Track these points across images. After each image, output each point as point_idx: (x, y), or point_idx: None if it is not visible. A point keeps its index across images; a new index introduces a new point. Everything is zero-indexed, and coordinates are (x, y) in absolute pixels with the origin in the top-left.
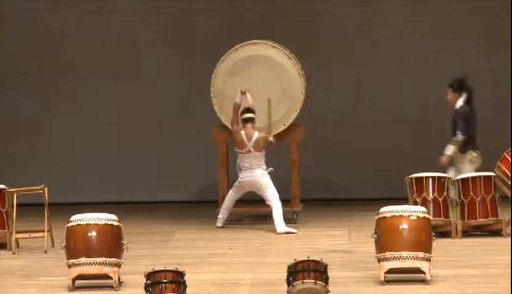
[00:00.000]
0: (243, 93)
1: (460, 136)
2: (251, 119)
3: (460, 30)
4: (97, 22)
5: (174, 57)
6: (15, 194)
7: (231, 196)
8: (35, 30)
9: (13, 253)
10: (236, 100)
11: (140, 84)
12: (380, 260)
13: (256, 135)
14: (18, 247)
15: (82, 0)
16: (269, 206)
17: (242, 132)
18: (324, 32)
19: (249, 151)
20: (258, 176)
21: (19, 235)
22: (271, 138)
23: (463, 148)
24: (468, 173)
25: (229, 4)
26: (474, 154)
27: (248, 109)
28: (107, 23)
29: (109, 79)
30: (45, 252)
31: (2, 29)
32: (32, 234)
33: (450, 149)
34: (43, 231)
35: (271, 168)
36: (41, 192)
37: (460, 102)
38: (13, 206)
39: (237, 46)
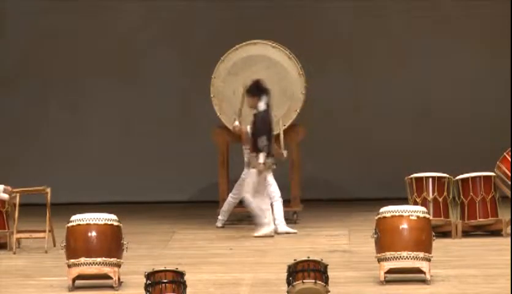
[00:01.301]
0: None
1: (265, 141)
2: None
3: (460, 30)
4: (97, 22)
5: (174, 57)
6: (18, 194)
7: (231, 198)
8: (35, 30)
9: (14, 253)
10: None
11: (140, 84)
12: (380, 260)
13: None
14: (19, 246)
15: (82, 0)
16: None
17: (248, 126)
18: (324, 32)
19: None
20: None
21: (20, 235)
22: (284, 154)
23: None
24: (259, 177)
25: (229, 4)
26: (272, 160)
27: None
28: (107, 23)
29: (109, 79)
30: (45, 252)
31: (2, 29)
32: (34, 234)
33: (262, 157)
34: (45, 231)
35: (273, 165)
36: (44, 192)
37: (261, 106)
38: (15, 205)
39: (237, 46)
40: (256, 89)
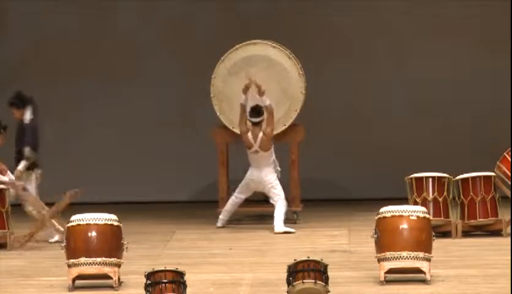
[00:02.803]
0: (245, 91)
1: (30, 152)
2: (257, 123)
3: (460, 30)
4: (97, 22)
5: (174, 57)
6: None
7: (235, 198)
8: (35, 30)
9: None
10: (240, 102)
11: (140, 84)
12: (380, 260)
13: (261, 134)
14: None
15: (83, 1)
16: (269, 205)
17: (249, 134)
18: (324, 32)
19: (256, 151)
20: (264, 174)
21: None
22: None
23: (30, 165)
24: (33, 190)
25: (229, 4)
26: (39, 171)
27: (255, 111)
28: (107, 23)
29: (109, 79)
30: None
31: (2, 29)
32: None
33: (23, 164)
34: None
35: (278, 167)
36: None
37: (28, 116)
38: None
39: (237, 46)
40: (20, 101)
